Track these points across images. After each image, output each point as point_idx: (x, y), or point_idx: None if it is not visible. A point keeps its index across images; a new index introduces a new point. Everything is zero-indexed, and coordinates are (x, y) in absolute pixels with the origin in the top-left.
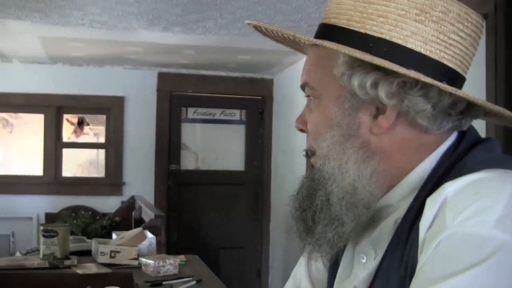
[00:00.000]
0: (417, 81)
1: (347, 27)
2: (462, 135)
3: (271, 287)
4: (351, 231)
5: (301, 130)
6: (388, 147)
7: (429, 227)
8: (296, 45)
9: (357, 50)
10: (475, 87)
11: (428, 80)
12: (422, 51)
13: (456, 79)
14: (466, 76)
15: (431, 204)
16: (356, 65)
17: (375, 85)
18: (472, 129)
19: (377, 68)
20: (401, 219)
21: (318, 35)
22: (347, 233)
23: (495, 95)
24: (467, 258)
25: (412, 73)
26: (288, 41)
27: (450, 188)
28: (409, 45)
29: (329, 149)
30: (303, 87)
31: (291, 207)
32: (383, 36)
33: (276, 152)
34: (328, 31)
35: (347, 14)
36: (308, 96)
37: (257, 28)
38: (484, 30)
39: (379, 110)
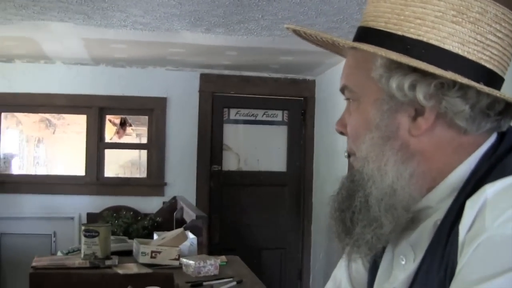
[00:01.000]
0: (454, 82)
1: (385, 29)
2: (501, 136)
3: None
4: (390, 232)
5: (341, 133)
6: (427, 148)
7: (469, 229)
8: (335, 48)
9: (393, 52)
10: None
11: (465, 80)
12: (460, 52)
13: (494, 79)
14: (506, 77)
15: (471, 206)
16: (394, 67)
17: (413, 87)
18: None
19: (414, 70)
20: (441, 221)
21: (357, 38)
22: (386, 234)
23: None
24: (507, 260)
25: (449, 74)
26: (327, 44)
27: (490, 189)
28: (446, 47)
29: (368, 151)
30: (342, 90)
31: (330, 207)
32: (420, 38)
33: (318, 153)
34: (366, 34)
35: (385, 16)
36: (347, 99)
37: (296, 32)
38: None
39: (418, 111)
